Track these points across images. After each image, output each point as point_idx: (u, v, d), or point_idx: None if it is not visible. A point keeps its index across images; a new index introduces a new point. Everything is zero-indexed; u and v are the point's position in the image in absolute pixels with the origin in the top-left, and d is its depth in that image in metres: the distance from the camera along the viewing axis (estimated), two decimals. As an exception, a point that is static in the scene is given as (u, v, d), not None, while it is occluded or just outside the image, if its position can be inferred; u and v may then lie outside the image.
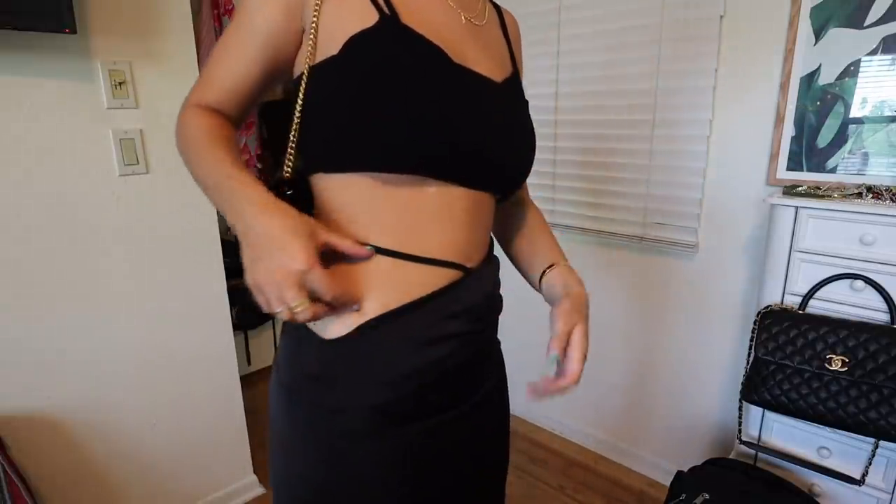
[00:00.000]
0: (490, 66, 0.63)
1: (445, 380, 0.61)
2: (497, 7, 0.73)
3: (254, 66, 0.58)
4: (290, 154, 0.58)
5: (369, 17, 0.55)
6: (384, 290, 0.57)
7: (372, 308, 0.57)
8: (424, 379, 0.59)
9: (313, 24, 0.55)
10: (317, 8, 0.55)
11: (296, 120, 0.57)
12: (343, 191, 0.57)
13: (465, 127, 0.56)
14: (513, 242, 0.80)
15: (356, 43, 0.54)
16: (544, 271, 0.73)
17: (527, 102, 0.70)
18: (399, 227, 0.57)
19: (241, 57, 0.58)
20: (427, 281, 0.58)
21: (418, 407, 0.60)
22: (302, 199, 0.57)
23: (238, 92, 0.60)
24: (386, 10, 0.56)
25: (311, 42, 0.55)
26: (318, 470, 0.60)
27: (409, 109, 0.52)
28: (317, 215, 0.58)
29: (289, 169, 0.58)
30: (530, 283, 0.78)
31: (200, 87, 0.60)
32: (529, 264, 0.77)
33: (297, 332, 0.60)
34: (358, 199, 0.56)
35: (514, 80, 0.68)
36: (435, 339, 0.59)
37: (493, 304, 0.68)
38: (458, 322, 0.60)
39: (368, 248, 0.54)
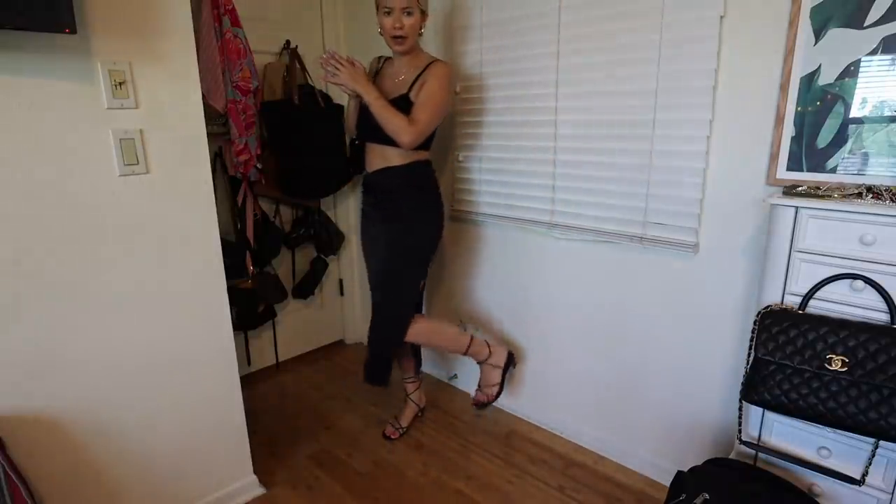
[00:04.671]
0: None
1: (366, 205, 1.93)
2: (429, 64, 1.73)
3: None
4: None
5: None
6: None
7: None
8: (361, 202, 2.00)
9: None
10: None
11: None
12: None
13: (361, 125, 1.82)
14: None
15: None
16: None
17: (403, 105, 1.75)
18: (365, 155, 1.87)
19: None
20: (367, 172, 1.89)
21: (363, 211, 1.98)
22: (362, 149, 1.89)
23: None
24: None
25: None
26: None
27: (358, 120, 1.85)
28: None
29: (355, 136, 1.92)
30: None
31: None
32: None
33: None
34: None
35: (401, 98, 1.72)
36: (363, 189, 1.94)
37: (378, 185, 1.83)
38: (366, 188, 1.90)
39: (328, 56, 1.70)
